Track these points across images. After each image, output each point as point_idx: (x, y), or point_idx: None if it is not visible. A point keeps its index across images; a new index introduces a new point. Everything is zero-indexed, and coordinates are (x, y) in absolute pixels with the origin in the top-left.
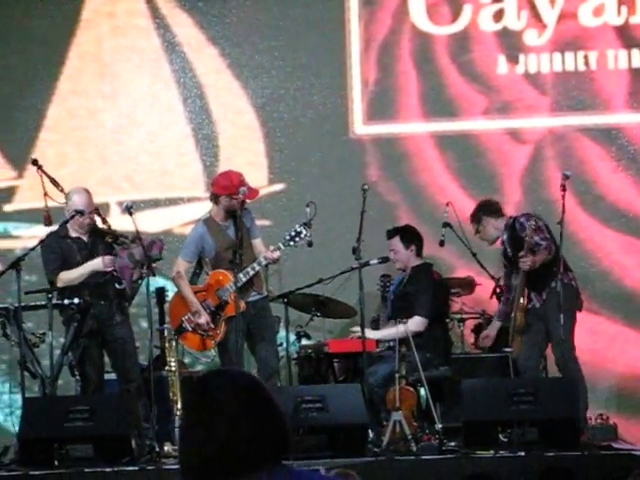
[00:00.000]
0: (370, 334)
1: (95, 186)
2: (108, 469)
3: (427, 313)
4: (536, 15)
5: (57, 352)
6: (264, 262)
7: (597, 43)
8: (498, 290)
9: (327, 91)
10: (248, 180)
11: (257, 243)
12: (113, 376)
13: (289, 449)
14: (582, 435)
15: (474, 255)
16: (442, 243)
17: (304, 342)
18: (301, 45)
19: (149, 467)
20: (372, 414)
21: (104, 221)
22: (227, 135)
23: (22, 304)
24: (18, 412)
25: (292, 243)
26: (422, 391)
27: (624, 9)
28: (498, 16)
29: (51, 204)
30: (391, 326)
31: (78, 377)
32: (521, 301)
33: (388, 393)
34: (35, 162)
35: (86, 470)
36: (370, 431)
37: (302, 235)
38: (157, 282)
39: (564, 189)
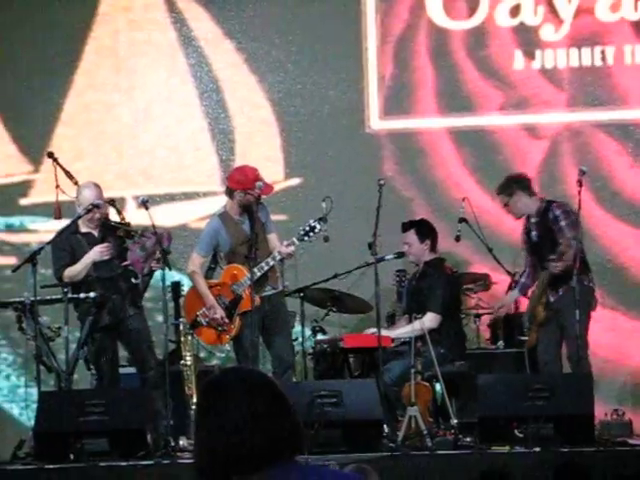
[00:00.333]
0: (385, 333)
1: (111, 180)
2: (123, 463)
3: (440, 309)
4: (553, 10)
5: (73, 346)
6: (278, 257)
7: (614, 38)
8: (514, 286)
9: (343, 86)
10: (264, 175)
11: (272, 238)
12: (128, 370)
13: (301, 447)
14: None
15: (490, 250)
16: (458, 238)
17: (319, 337)
18: (318, 40)
19: (164, 461)
20: (387, 409)
21: (119, 213)
22: (243, 129)
23: (38, 298)
24: (34, 406)
25: (306, 238)
26: (437, 386)
27: None
28: (515, 11)
29: (62, 198)
30: (405, 322)
31: (93, 371)
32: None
33: (404, 388)
34: (51, 155)
35: (101, 464)
36: (385, 426)
37: (316, 230)
38: (173, 276)
39: (580, 185)
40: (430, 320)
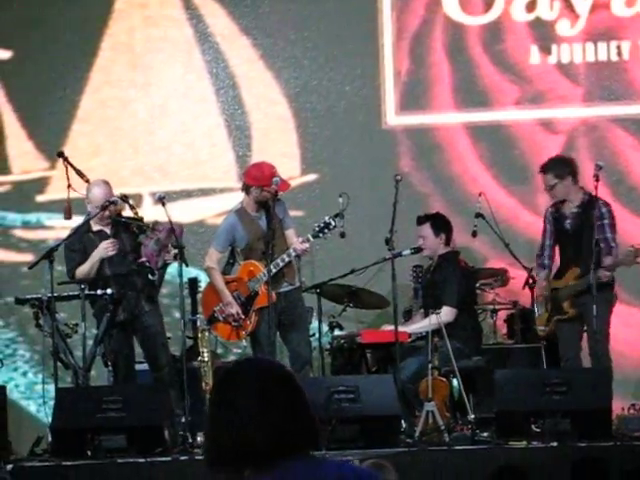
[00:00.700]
0: (401, 328)
1: (127, 177)
2: (141, 459)
3: (455, 302)
4: (569, 5)
5: (90, 343)
6: (293, 254)
7: (630, 33)
8: (530, 281)
9: (360, 81)
10: (281, 170)
11: (290, 234)
12: (145, 367)
13: (315, 442)
14: None
15: (507, 246)
16: (475, 234)
17: (337, 333)
18: (334, 35)
19: (182, 457)
20: (405, 405)
21: (132, 208)
22: (259, 125)
23: (55, 295)
24: (51, 402)
25: (321, 235)
26: (455, 382)
27: None
28: (531, 6)
29: (75, 196)
30: (421, 317)
31: (110, 368)
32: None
33: (421, 384)
34: (61, 154)
35: (119, 461)
36: (403, 422)
37: (331, 226)
38: (190, 272)
39: (597, 179)
40: (446, 314)
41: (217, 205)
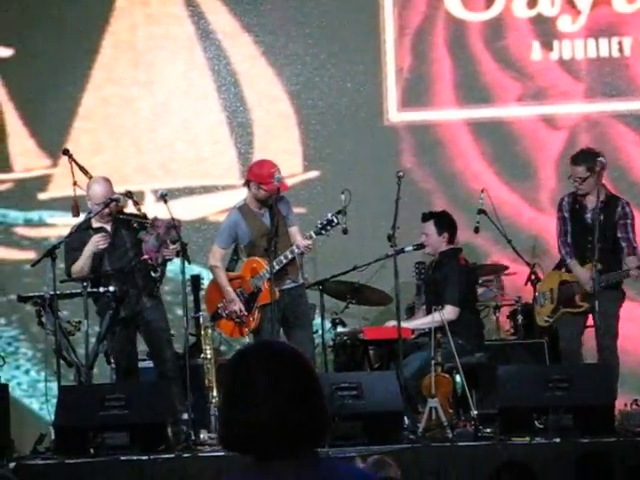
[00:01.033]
0: (404, 324)
1: (130, 174)
2: (144, 457)
3: (457, 301)
4: (570, 1)
5: (92, 340)
6: (296, 251)
7: (631, 29)
8: (533, 277)
9: (361, 78)
10: (283, 168)
11: (294, 231)
12: (148, 364)
13: (323, 435)
14: None
15: (509, 242)
16: (477, 230)
17: (339, 329)
18: (335, 32)
19: (185, 455)
20: (408, 401)
21: (136, 204)
22: (261, 123)
23: (57, 292)
24: (54, 400)
25: (324, 232)
26: (458, 378)
27: None
28: (532, 2)
29: (79, 193)
30: (423, 313)
31: (113, 365)
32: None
33: (424, 380)
34: (66, 152)
35: (122, 458)
36: (406, 418)
37: (334, 224)
38: (192, 269)
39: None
40: (448, 312)
41: (219, 202)
